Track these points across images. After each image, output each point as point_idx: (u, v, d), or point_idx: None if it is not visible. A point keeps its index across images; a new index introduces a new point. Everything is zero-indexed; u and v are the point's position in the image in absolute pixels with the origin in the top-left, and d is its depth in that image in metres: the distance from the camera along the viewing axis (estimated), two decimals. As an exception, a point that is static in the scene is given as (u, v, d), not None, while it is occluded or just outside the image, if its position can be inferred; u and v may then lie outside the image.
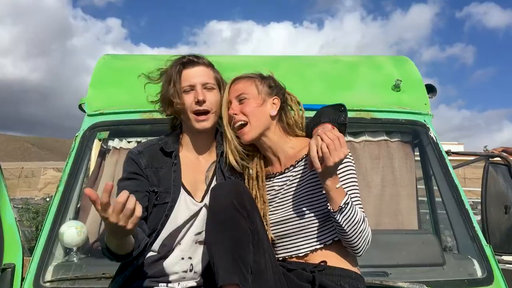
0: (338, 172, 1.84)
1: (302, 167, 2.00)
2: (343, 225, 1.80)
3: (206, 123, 2.06)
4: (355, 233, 1.83)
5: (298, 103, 2.18)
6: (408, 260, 2.38)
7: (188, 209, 2.02)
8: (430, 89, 3.03)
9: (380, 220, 2.73)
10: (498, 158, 3.61)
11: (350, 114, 2.73)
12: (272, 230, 2.00)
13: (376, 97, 2.90)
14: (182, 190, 2.04)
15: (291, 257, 1.99)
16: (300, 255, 1.96)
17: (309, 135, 2.08)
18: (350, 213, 1.81)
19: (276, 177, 2.08)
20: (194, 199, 2.04)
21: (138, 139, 2.79)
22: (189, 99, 2.04)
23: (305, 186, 1.97)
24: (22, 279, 2.26)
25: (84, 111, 2.84)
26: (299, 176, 2.00)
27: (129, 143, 2.76)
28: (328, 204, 1.83)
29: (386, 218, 2.74)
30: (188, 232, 2.00)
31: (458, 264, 2.44)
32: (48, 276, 2.28)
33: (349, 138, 2.84)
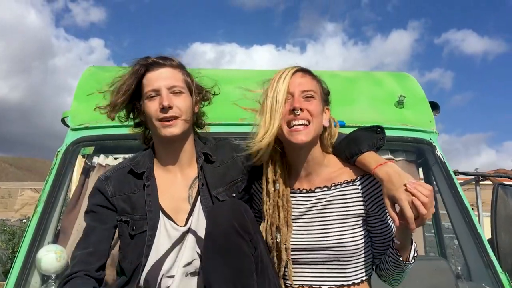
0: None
1: (345, 195, 1.76)
2: (404, 273, 1.68)
3: (174, 128, 1.78)
4: (405, 276, 1.72)
5: (333, 118, 1.93)
6: (420, 289, 2.19)
7: (169, 236, 1.77)
8: (434, 106, 2.91)
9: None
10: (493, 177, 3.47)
11: (351, 131, 2.59)
12: (291, 255, 1.77)
13: (379, 113, 2.75)
14: (161, 214, 1.80)
15: (310, 286, 1.76)
16: (323, 287, 1.74)
17: (341, 157, 1.84)
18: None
19: (301, 194, 1.82)
20: (175, 223, 1.79)
21: (126, 155, 2.58)
22: (153, 106, 1.78)
23: (346, 216, 1.74)
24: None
25: (67, 125, 2.64)
26: (336, 202, 1.76)
27: (116, 160, 2.55)
28: (399, 254, 1.65)
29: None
30: (176, 263, 1.76)
31: (473, 293, 2.27)
32: (23, 307, 2.04)
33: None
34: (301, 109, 1.69)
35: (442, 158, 2.61)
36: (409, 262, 1.64)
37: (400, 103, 2.77)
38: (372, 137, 1.80)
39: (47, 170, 2.52)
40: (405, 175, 1.60)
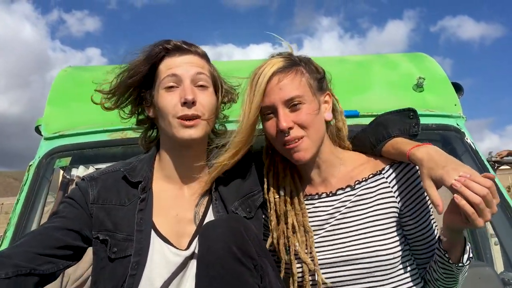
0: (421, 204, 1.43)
1: (370, 192, 1.46)
2: (458, 279, 1.38)
3: (195, 131, 1.44)
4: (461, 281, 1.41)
5: (337, 101, 1.62)
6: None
7: (168, 262, 1.41)
8: (457, 88, 2.57)
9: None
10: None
11: (368, 121, 2.26)
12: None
13: (396, 99, 2.43)
14: (154, 236, 1.44)
15: None
16: None
17: (364, 147, 1.56)
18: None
19: (320, 200, 1.52)
20: (175, 246, 1.44)
21: (109, 165, 2.25)
22: (172, 99, 1.45)
23: (376, 218, 1.43)
24: None
25: (41, 135, 2.30)
26: (362, 202, 1.46)
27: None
28: (448, 256, 1.33)
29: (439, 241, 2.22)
30: None
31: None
32: None
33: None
34: (290, 128, 1.40)
35: (473, 146, 2.27)
36: (463, 264, 1.32)
37: (419, 86, 2.44)
38: (404, 121, 1.52)
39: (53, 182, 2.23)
40: (453, 158, 1.30)
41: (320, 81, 1.52)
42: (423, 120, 2.31)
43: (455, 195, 1.20)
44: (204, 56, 1.56)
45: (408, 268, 1.44)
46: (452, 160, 1.28)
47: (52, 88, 2.41)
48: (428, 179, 1.27)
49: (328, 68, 2.61)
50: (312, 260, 1.43)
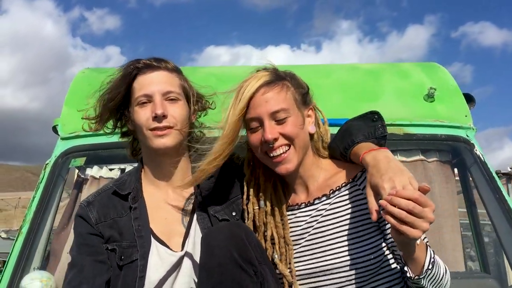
0: None
1: (344, 200, 1.49)
2: None
3: (167, 139, 1.56)
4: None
5: (320, 112, 1.66)
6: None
7: (163, 262, 1.52)
8: (468, 98, 2.57)
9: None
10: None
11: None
12: (300, 284, 1.48)
13: (407, 108, 2.44)
14: (152, 239, 1.55)
15: None
16: None
17: (337, 156, 1.60)
18: (436, 270, 1.30)
19: (300, 210, 1.56)
20: (170, 248, 1.55)
21: (122, 166, 2.32)
22: (144, 114, 1.57)
23: (352, 226, 1.45)
24: None
25: (58, 134, 2.37)
26: (337, 210, 1.48)
27: (111, 171, 2.28)
28: (407, 269, 1.31)
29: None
30: None
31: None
32: None
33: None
34: (275, 139, 1.44)
35: (482, 158, 2.27)
36: (418, 276, 1.27)
37: (430, 96, 2.44)
38: (368, 125, 1.54)
39: (69, 177, 2.34)
40: (396, 165, 1.29)
41: (304, 95, 1.56)
42: (432, 130, 2.35)
43: (381, 211, 1.21)
44: (174, 70, 1.66)
45: (390, 273, 1.44)
46: (392, 168, 1.28)
47: (70, 89, 2.49)
48: (369, 186, 1.31)
49: (340, 74, 2.65)
50: (290, 272, 1.47)
